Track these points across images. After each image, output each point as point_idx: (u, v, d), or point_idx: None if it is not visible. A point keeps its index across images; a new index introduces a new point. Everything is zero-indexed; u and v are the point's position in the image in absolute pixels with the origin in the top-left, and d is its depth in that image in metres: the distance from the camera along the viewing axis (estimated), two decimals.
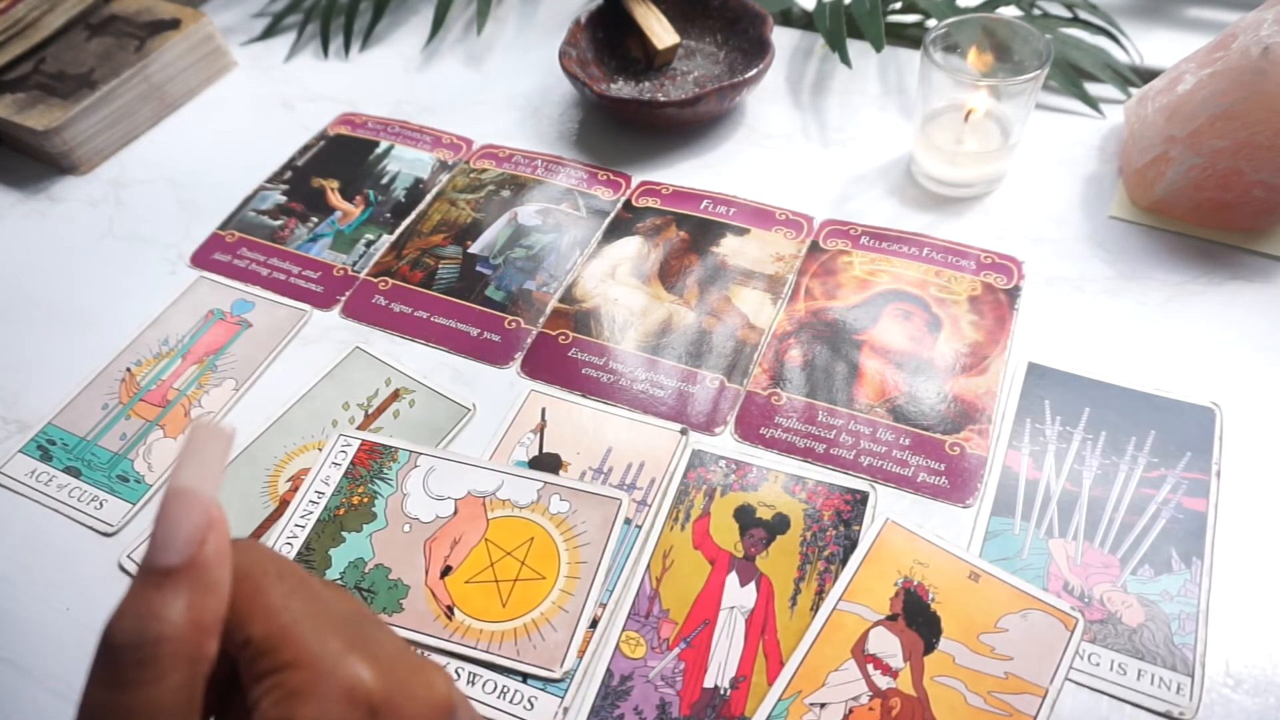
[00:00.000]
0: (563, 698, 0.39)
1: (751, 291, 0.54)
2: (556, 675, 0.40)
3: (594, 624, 0.41)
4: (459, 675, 0.40)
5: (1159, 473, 0.44)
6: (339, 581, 0.43)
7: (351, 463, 0.47)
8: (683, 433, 0.48)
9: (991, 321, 0.51)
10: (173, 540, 0.20)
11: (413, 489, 0.46)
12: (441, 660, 0.41)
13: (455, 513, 0.45)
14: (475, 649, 0.41)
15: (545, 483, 0.46)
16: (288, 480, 0.47)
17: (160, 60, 0.69)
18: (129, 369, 0.54)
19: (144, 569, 0.20)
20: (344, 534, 0.45)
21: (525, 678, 0.40)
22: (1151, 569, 0.41)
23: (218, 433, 0.22)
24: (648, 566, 0.43)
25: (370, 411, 0.50)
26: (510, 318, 0.55)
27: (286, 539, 0.45)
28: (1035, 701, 0.37)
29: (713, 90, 0.59)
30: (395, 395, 0.50)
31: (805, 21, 0.74)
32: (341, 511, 0.46)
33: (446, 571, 0.43)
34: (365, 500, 0.46)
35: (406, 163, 0.66)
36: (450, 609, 0.42)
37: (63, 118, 0.64)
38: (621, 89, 0.67)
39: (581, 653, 0.40)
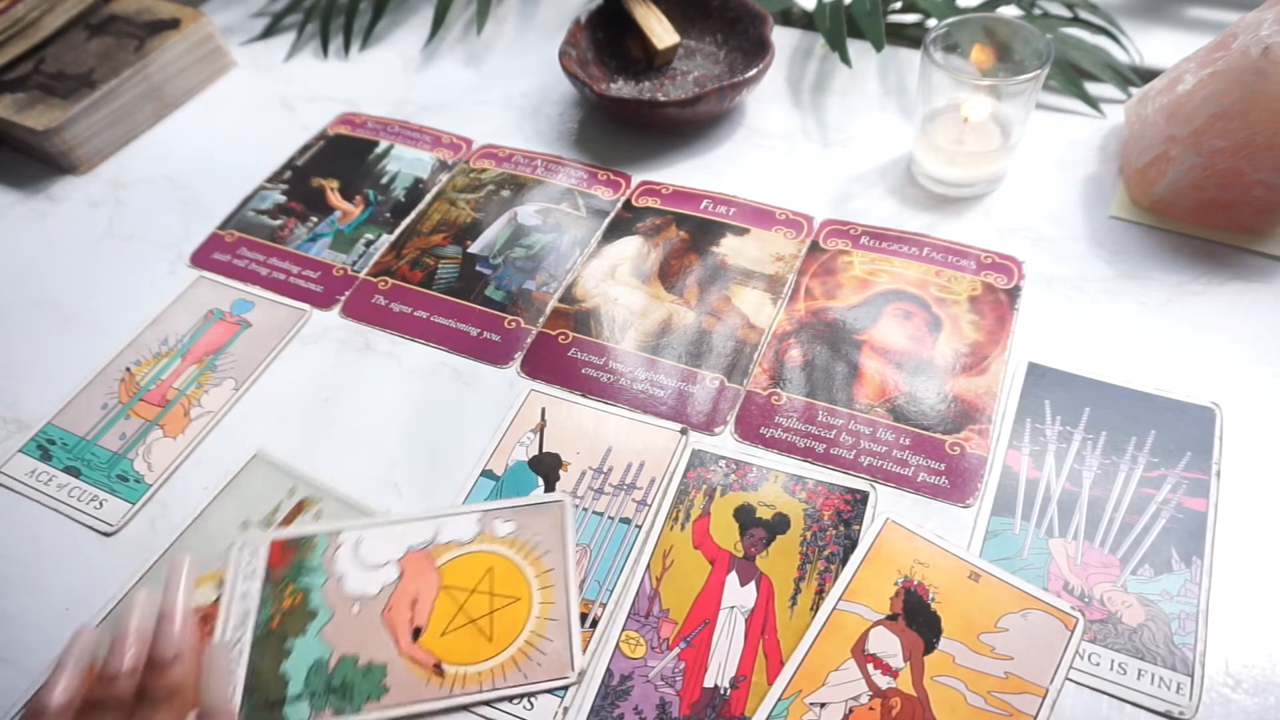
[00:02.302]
0: (563, 698, 0.39)
1: (751, 291, 0.54)
2: (574, 679, 0.39)
3: (594, 624, 0.41)
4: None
5: (1159, 472, 0.44)
6: (305, 693, 0.40)
7: (267, 567, 0.43)
8: (683, 432, 0.48)
9: (992, 321, 0.51)
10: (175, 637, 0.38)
11: (345, 568, 0.43)
12: (455, 717, 0.40)
13: (401, 574, 0.43)
14: (481, 692, 0.40)
15: (482, 511, 0.45)
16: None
17: (160, 60, 0.69)
18: (128, 369, 0.54)
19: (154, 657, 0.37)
20: (288, 644, 0.41)
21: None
22: (1151, 569, 0.41)
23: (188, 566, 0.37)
24: (648, 566, 0.43)
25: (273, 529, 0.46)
26: (510, 317, 0.55)
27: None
28: (1035, 701, 0.37)
29: (713, 90, 0.59)
30: (300, 507, 0.46)
31: (805, 21, 0.74)
32: (276, 622, 0.42)
33: (418, 633, 0.41)
34: (298, 599, 0.42)
35: (406, 162, 0.66)
36: (438, 666, 0.40)
37: (63, 118, 0.64)
38: (621, 89, 0.67)
39: (583, 648, 0.40)
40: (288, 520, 0.45)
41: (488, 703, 0.39)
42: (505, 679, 0.40)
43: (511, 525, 0.45)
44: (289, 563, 0.43)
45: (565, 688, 0.39)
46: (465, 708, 0.39)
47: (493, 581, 0.43)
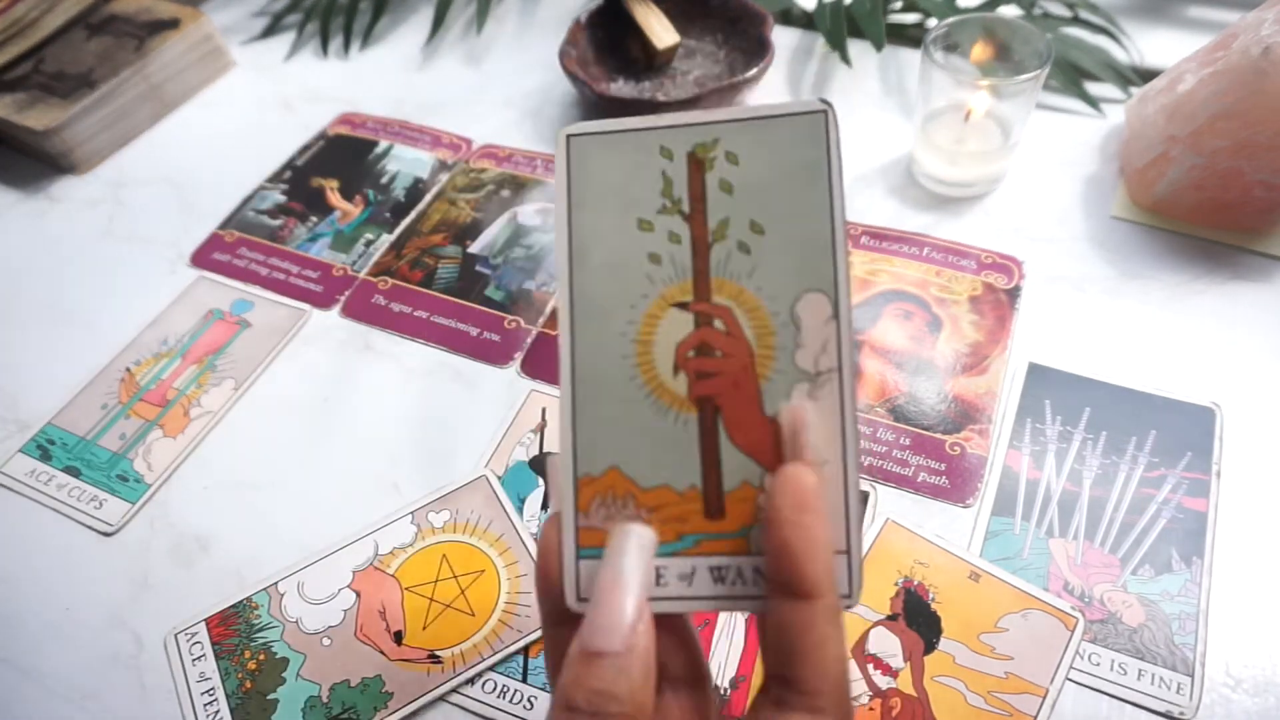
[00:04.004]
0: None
1: None
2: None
3: None
4: (485, 687, 0.40)
5: (1159, 472, 0.44)
6: None
7: (213, 644, 0.42)
8: None
9: (992, 321, 0.51)
10: (615, 627, 0.21)
11: (298, 611, 0.43)
12: (467, 688, 0.40)
13: (357, 595, 0.43)
14: (482, 662, 0.40)
15: (413, 511, 0.45)
16: None
17: (160, 60, 0.69)
18: (128, 369, 0.54)
19: (584, 646, 0.22)
20: (270, 697, 0.40)
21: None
22: (1152, 569, 0.41)
23: (642, 535, 0.23)
24: None
25: None
26: (510, 317, 0.55)
27: None
28: (1035, 701, 0.37)
29: (713, 90, 0.59)
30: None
31: (805, 21, 0.74)
32: (248, 685, 0.41)
33: (399, 637, 0.41)
34: (262, 656, 0.41)
35: (406, 162, 0.66)
36: (432, 656, 0.41)
37: (62, 117, 0.64)
38: (621, 89, 0.66)
39: None
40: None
41: (493, 667, 0.40)
42: (501, 641, 0.41)
43: (445, 513, 0.45)
44: (235, 630, 0.42)
45: None
46: (476, 678, 0.40)
47: (452, 566, 0.43)
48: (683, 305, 0.24)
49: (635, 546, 0.23)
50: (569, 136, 0.24)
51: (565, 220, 0.24)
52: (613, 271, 0.23)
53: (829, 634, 0.21)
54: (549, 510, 0.24)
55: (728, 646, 0.40)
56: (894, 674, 0.39)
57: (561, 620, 0.23)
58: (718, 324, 0.23)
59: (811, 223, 0.23)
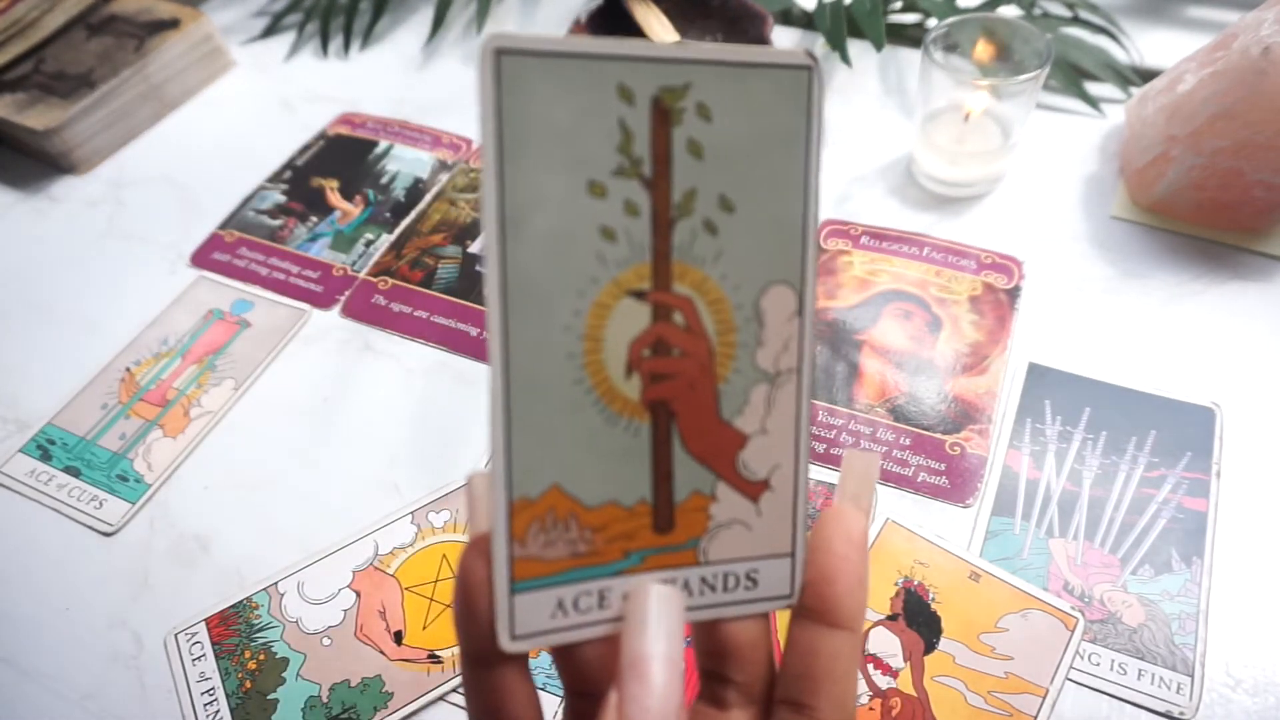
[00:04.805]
0: (563, 696, 0.39)
1: None
2: None
3: None
4: None
5: (1159, 473, 0.44)
6: None
7: (213, 644, 0.42)
8: None
9: (992, 321, 0.51)
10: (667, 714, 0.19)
11: (298, 611, 0.42)
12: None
13: (358, 595, 0.43)
14: None
15: (413, 511, 0.45)
16: None
17: (160, 60, 0.69)
18: (128, 369, 0.54)
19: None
20: (270, 697, 0.40)
21: None
22: (1151, 569, 0.41)
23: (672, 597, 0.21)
24: None
25: None
26: None
27: None
28: (1035, 701, 0.37)
29: None
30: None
31: (805, 21, 0.74)
32: (248, 685, 0.40)
33: (399, 637, 0.41)
34: (262, 656, 0.41)
35: (406, 162, 0.66)
36: (432, 655, 0.41)
37: (62, 117, 0.64)
38: None
39: None
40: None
41: None
42: None
43: (445, 513, 0.45)
44: (235, 631, 0.42)
45: None
46: None
47: (452, 566, 0.43)
48: (639, 294, 0.20)
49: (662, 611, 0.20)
50: (499, 52, 0.18)
51: (495, 173, 0.18)
52: (556, 247, 0.19)
53: (852, 668, 0.21)
54: (469, 533, 0.20)
55: None
56: (894, 674, 0.39)
57: (487, 662, 0.20)
58: (677, 317, 0.20)
59: (785, 203, 0.20)
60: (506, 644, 0.20)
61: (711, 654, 0.22)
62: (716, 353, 0.21)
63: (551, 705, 0.39)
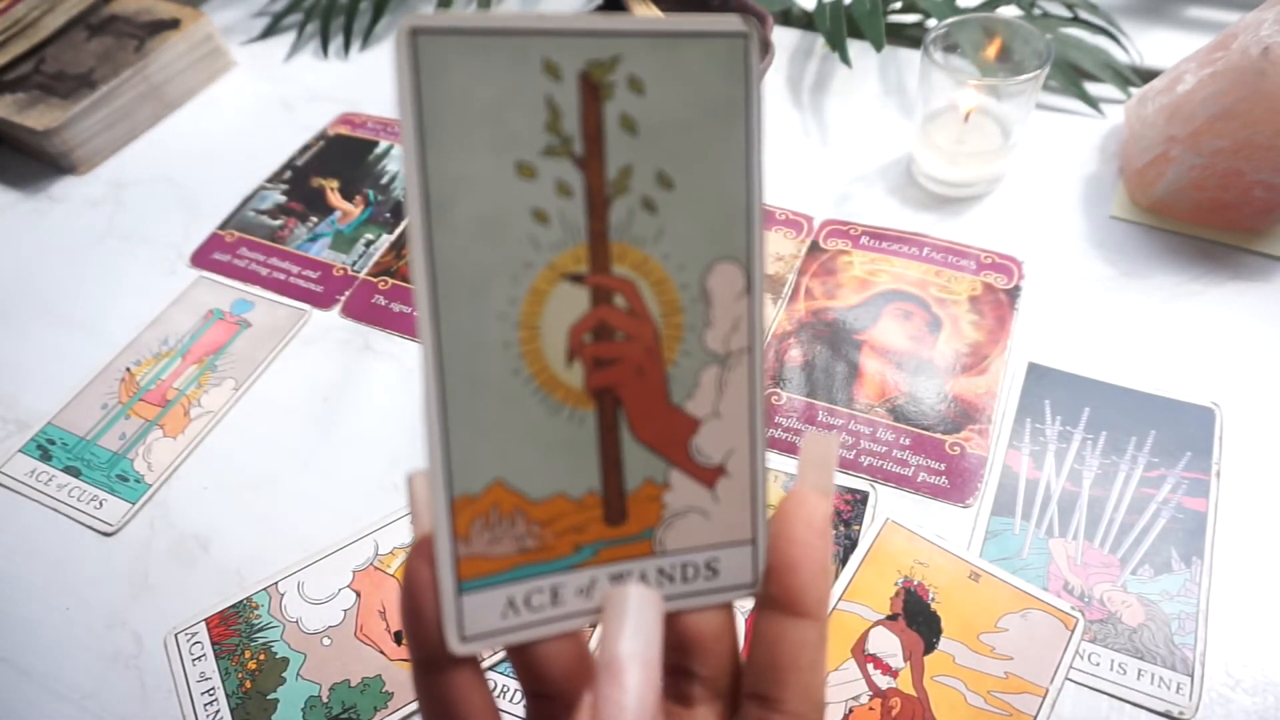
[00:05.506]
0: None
1: None
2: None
3: None
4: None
5: (1159, 472, 0.44)
6: None
7: (213, 644, 0.42)
8: None
9: (991, 321, 0.51)
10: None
11: (298, 611, 0.42)
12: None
13: (358, 595, 0.43)
14: (482, 662, 0.40)
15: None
16: None
17: (160, 60, 0.69)
18: (128, 369, 0.54)
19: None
20: (270, 697, 0.40)
21: None
22: (1151, 569, 0.41)
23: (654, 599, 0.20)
24: None
25: None
26: None
27: None
28: (1035, 701, 0.37)
29: None
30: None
31: (805, 21, 0.74)
32: (248, 685, 0.40)
33: (400, 637, 0.41)
34: (262, 656, 0.41)
35: None
36: None
37: (62, 118, 0.64)
38: None
39: None
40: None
41: (493, 667, 0.40)
42: None
43: None
44: (235, 631, 0.42)
45: None
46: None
47: None
48: (576, 278, 0.19)
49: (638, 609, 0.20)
50: (415, 32, 0.17)
51: (416, 158, 0.17)
52: (485, 232, 0.18)
53: (819, 658, 0.21)
54: (412, 536, 0.20)
55: None
56: (894, 674, 0.39)
57: (439, 666, 0.20)
58: (619, 300, 0.19)
59: (726, 177, 0.20)
60: (456, 646, 0.19)
61: (674, 648, 0.21)
62: (663, 335, 0.20)
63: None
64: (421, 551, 0.19)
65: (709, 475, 0.21)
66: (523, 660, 0.20)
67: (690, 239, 0.20)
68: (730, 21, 0.19)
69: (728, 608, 0.21)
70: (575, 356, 0.19)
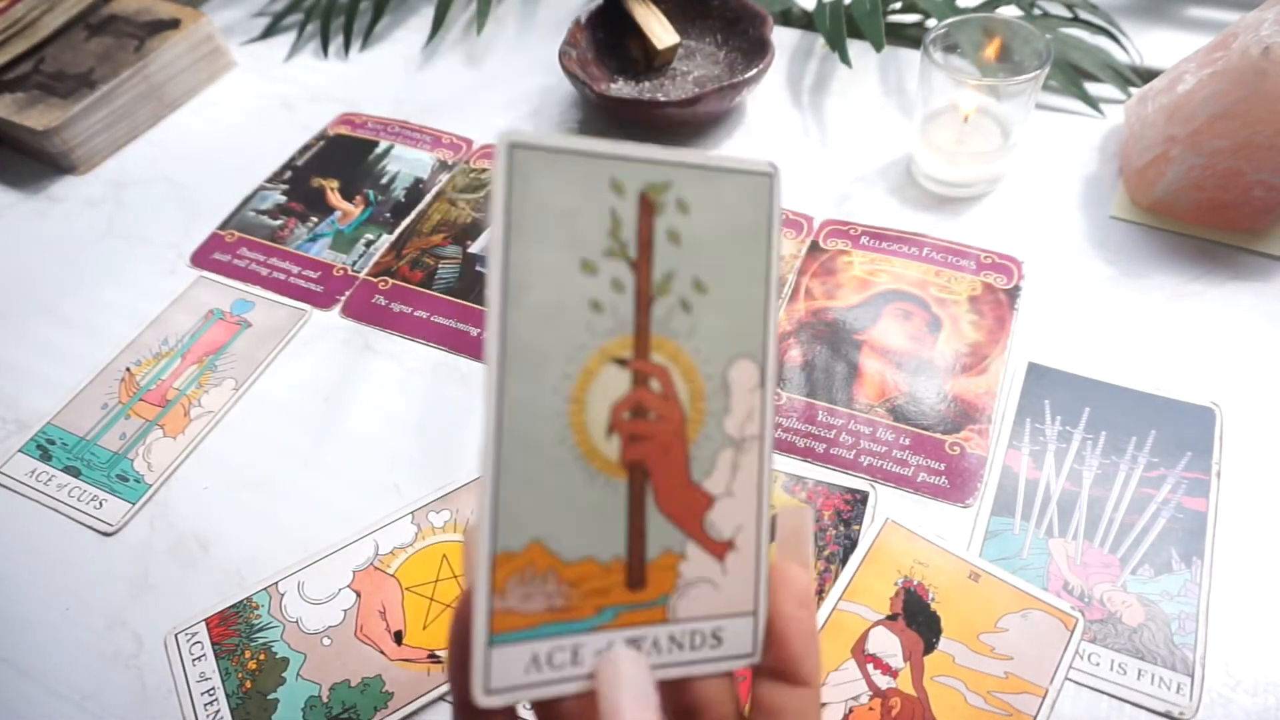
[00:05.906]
0: None
1: None
2: None
3: None
4: None
5: (1159, 472, 0.44)
6: None
7: (213, 644, 0.42)
8: None
9: (991, 321, 0.51)
10: None
11: (298, 611, 0.42)
12: None
13: (358, 595, 0.43)
14: None
15: (413, 511, 0.45)
16: None
17: (160, 60, 0.69)
18: (129, 369, 0.54)
19: None
20: (270, 697, 0.40)
21: None
22: (1151, 569, 0.41)
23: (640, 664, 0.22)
24: None
25: None
26: None
27: None
28: (1035, 701, 0.37)
29: (713, 90, 0.59)
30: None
31: (805, 21, 0.74)
32: (248, 685, 0.40)
33: (399, 637, 0.41)
34: (262, 656, 0.41)
35: (406, 163, 0.66)
36: (431, 655, 0.41)
37: (62, 117, 0.64)
38: (621, 89, 0.67)
39: None
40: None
41: None
42: None
43: (445, 513, 0.45)
44: (235, 631, 0.42)
45: None
46: None
47: (452, 566, 0.43)
48: (622, 362, 0.22)
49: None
50: (513, 146, 0.21)
51: (502, 247, 0.20)
52: (550, 316, 0.21)
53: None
54: (465, 584, 0.22)
55: None
56: (894, 674, 0.39)
57: (477, 712, 0.21)
58: (654, 384, 0.22)
59: (749, 287, 0.23)
60: (481, 699, 0.20)
61: (679, 712, 0.22)
62: (689, 418, 0.22)
63: None
64: (469, 605, 0.21)
65: (720, 549, 0.23)
66: (546, 713, 0.21)
67: (717, 336, 0.23)
68: (760, 164, 0.23)
69: (729, 674, 0.23)
70: (614, 430, 0.22)
